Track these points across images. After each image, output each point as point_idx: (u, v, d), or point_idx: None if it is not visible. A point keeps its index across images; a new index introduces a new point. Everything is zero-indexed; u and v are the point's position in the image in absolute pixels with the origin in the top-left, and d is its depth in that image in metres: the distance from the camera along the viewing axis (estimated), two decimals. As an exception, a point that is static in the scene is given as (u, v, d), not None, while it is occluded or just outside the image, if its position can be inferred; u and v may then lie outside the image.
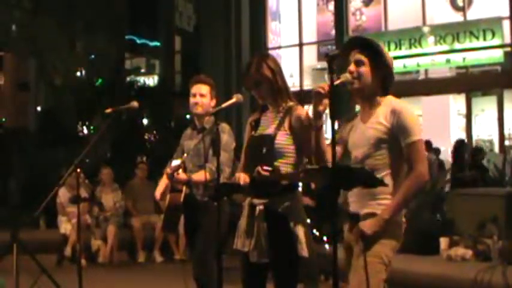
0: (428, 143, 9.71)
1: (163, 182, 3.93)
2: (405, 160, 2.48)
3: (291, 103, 2.98)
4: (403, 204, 2.46)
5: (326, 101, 2.42)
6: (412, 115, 2.50)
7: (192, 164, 3.85)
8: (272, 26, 14.65)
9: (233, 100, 2.96)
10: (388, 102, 2.56)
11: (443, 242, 5.65)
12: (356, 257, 2.46)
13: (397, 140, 2.47)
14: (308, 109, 2.80)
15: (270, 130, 2.94)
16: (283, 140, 2.89)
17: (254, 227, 2.83)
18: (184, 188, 3.77)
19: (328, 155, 2.46)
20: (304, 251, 2.77)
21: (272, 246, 2.79)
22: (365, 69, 2.55)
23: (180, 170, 3.71)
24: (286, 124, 2.91)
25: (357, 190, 2.45)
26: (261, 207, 2.83)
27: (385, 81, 2.59)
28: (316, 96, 2.41)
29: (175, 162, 3.73)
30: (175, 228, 4.01)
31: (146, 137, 14.55)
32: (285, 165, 2.86)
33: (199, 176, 3.72)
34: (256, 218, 2.83)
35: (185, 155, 3.82)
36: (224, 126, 3.79)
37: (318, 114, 2.49)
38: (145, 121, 15.41)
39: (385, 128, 2.49)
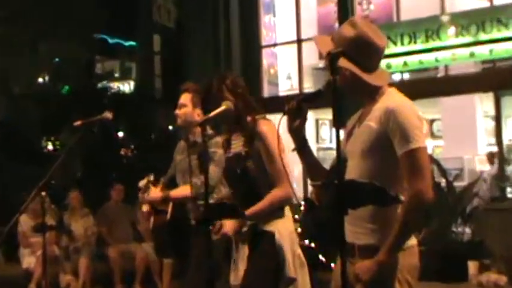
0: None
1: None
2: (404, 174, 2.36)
3: (257, 117, 3.16)
4: (402, 237, 2.34)
5: (298, 118, 2.44)
6: (410, 115, 2.37)
7: (182, 182, 3.88)
8: (266, 20, 14.71)
9: (223, 108, 3.00)
10: (386, 98, 2.46)
11: (472, 266, 5.67)
12: None
13: (392, 148, 2.37)
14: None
15: (239, 149, 3.12)
16: (253, 157, 3.07)
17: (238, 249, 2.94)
18: (169, 209, 3.79)
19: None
20: (292, 272, 2.89)
21: (254, 268, 2.88)
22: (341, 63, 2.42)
23: (153, 188, 3.74)
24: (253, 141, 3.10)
25: (354, 212, 2.33)
26: (245, 228, 2.93)
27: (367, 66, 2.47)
28: (286, 114, 2.44)
29: (142, 182, 3.78)
30: (169, 252, 4.05)
31: (122, 152, 14.55)
32: (263, 187, 3.03)
33: (180, 191, 3.75)
34: (240, 239, 2.94)
35: (151, 176, 3.88)
36: (217, 141, 3.81)
37: (292, 134, 2.49)
38: (120, 134, 15.41)
39: (376, 132, 2.40)
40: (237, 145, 3.20)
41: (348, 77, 2.44)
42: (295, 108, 2.44)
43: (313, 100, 2.46)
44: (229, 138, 3.26)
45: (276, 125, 3.08)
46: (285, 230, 3.06)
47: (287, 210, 3.15)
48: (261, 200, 3.05)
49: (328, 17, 13.99)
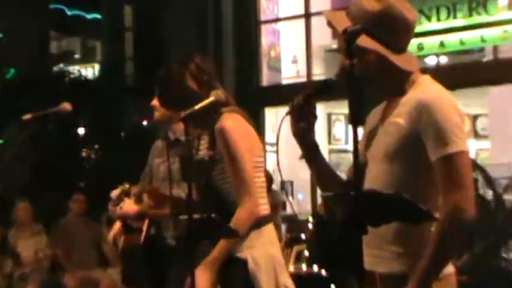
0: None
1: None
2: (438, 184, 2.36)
3: (224, 109, 3.22)
4: (437, 264, 2.32)
5: (305, 118, 2.47)
6: (448, 110, 2.37)
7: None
8: (266, -13, 14.75)
9: (211, 99, 3.01)
10: (417, 89, 2.46)
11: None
12: None
13: (424, 151, 2.38)
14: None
15: (204, 152, 3.21)
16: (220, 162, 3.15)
17: None
18: (145, 226, 3.80)
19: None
20: None
21: None
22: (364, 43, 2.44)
23: (127, 200, 3.75)
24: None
25: (376, 231, 2.31)
26: None
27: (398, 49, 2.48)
28: (289, 114, 2.47)
29: (115, 192, 3.79)
30: (141, 281, 4.07)
31: (84, 153, 14.55)
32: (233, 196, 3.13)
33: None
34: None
35: (126, 185, 3.89)
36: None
37: (299, 139, 2.52)
38: (82, 131, 15.41)
39: (405, 131, 2.40)
40: (203, 147, 3.28)
41: (371, 61, 2.45)
42: (301, 105, 2.45)
43: (323, 93, 2.47)
44: (199, 138, 3.34)
45: (242, 121, 3.20)
46: (261, 256, 3.11)
47: (267, 230, 3.20)
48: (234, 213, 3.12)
49: (345, -15, 13.99)
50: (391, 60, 2.45)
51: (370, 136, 2.59)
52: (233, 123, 3.18)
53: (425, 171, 2.39)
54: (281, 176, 2.66)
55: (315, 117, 2.50)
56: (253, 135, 3.29)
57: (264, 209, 3.27)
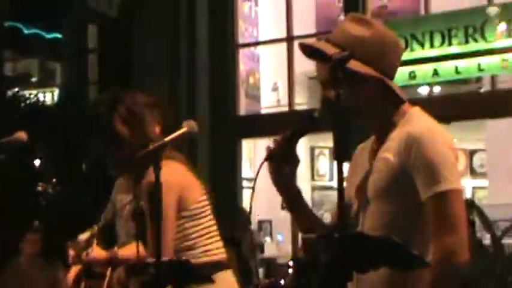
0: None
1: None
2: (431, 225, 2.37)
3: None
4: None
5: (287, 163, 2.47)
6: (440, 145, 2.40)
7: (124, 233, 3.86)
8: (245, 9, 14.82)
9: (183, 130, 3.01)
10: (407, 121, 2.48)
11: None
12: None
13: (415, 189, 2.39)
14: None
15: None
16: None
17: None
18: (108, 272, 3.77)
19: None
20: None
21: None
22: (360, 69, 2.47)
23: (95, 245, 3.72)
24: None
25: (362, 278, 2.31)
26: None
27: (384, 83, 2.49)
28: (268, 159, 2.45)
29: (83, 236, 3.77)
30: None
31: (41, 188, 14.44)
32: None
33: (130, 250, 3.73)
34: None
35: (95, 228, 3.86)
36: None
37: (280, 188, 2.52)
38: (38, 162, 15.32)
39: (394, 168, 2.42)
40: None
41: (366, 89, 2.47)
42: (282, 149, 2.44)
43: (306, 133, 2.47)
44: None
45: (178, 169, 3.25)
46: None
47: (223, 277, 3.22)
48: None
49: (330, 7, 14.11)
50: (390, 86, 2.47)
51: (355, 173, 2.60)
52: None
53: (418, 212, 2.40)
54: (250, 212, 2.65)
55: (298, 161, 2.50)
56: (188, 183, 3.33)
57: (218, 253, 3.30)
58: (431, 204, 2.35)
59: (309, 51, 2.54)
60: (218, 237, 3.37)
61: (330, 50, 2.41)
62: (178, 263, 2.97)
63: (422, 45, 11.74)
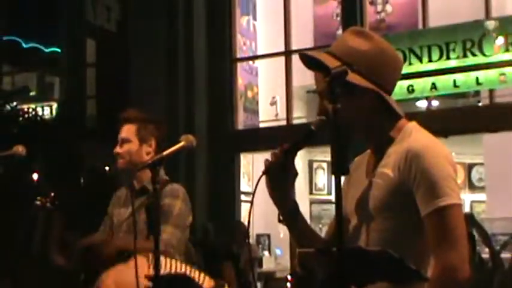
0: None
1: None
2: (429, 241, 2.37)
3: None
4: None
5: (284, 177, 2.45)
6: (439, 159, 2.39)
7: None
8: (243, 23, 14.84)
9: (181, 144, 3.01)
10: (405, 136, 2.48)
11: None
12: None
13: (414, 205, 2.38)
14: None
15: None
16: None
17: None
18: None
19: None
20: None
21: None
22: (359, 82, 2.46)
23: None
24: None
25: None
26: None
27: (381, 97, 2.49)
28: (266, 173, 2.43)
29: None
30: None
31: (39, 202, 14.41)
32: None
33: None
34: None
35: None
36: (175, 189, 3.87)
37: (277, 201, 2.51)
38: (36, 177, 15.30)
39: (393, 183, 2.41)
40: None
41: (365, 102, 2.46)
42: (280, 162, 2.42)
43: (303, 146, 2.46)
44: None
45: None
46: None
47: None
48: None
49: (328, 21, 14.12)
50: (388, 100, 2.47)
51: (353, 187, 2.59)
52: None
53: (417, 227, 2.39)
54: (248, 226, 2.63)
55: (296, 174, 2.48)
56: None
57: None
58: (432, 219, 2.34)
59: (309, 62, 2.54)
60: None
61: (331, 61, 2.41)
62: (175, 277, 2.97)
63: (420, 59, 11.78)
